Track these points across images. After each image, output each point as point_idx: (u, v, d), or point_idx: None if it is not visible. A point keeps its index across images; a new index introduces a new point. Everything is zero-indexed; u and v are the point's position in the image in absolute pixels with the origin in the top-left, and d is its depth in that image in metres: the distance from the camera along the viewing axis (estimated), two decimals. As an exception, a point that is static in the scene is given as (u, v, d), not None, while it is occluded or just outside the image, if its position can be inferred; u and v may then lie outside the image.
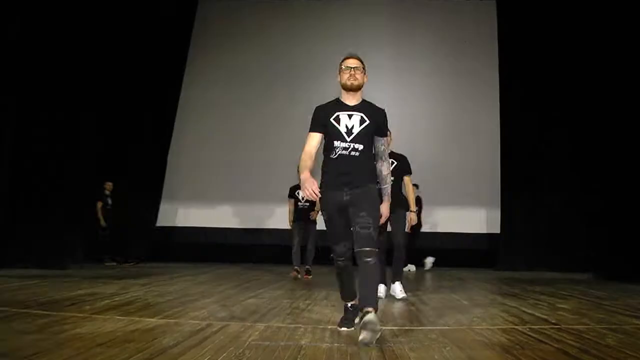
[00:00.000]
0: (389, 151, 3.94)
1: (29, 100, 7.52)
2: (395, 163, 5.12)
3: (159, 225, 10.01)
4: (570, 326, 3.59)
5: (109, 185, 9.27)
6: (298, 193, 7.26)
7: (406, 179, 5.30)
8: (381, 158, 3.38)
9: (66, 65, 7.95)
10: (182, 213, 10.30)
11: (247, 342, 2.87)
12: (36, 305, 4.12)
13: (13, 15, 6.96)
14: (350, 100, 3.29)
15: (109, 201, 9.27)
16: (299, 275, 7.08)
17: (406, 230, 5.26)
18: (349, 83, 3.24)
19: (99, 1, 8.50)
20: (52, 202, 7.82)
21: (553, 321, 3.79)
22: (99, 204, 9.03)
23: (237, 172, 10.04)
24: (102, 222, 9.03)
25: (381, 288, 4.99)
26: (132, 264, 8.93)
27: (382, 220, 3.34)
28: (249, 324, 3.45)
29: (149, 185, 9.83)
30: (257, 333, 3.15)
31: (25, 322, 3.40)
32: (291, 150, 9.09)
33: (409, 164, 5.36)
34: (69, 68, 7.98)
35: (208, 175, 10.11)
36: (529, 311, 4.26)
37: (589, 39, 8.52)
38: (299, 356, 2.58)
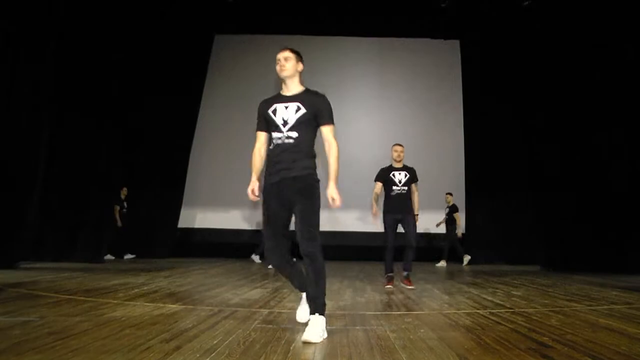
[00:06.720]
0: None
1: (62, 111, 7.34)
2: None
3: (180, 226, 9.91)
4: (521, 310, 3.59)
5: (124, 190, 9.09)
6: (394, 175, 4.87)
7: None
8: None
9: (100, 83, 7.83)
10: (199, 216, 10.23)
11: (253, 325, 2.84)
12: (80, 293, 4.09)
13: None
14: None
15: (125, 205, 9.11)
16: (391, 286, 4.82)
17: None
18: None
19: (134, 35, 8.60)
20: (85, 205, 7.62)
21: (508, 306, 3.79)
22: (117, 208, 8.81)
23: (246, 181, 9.99)
24: (119, 223, 8.82)
25: None
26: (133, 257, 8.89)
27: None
28: (254, 310, 3.41)
29: (172, 193, 9.75)
30: (261, 318, 3.11)
31: (71, 307, 3.38)
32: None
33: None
34: (102, 87, 7.85)
35: (222, 184, 10.03)
36: (489, 298, 4.26)
37: (539, 65, 8.56)
38: (297, 337, 2.55)
